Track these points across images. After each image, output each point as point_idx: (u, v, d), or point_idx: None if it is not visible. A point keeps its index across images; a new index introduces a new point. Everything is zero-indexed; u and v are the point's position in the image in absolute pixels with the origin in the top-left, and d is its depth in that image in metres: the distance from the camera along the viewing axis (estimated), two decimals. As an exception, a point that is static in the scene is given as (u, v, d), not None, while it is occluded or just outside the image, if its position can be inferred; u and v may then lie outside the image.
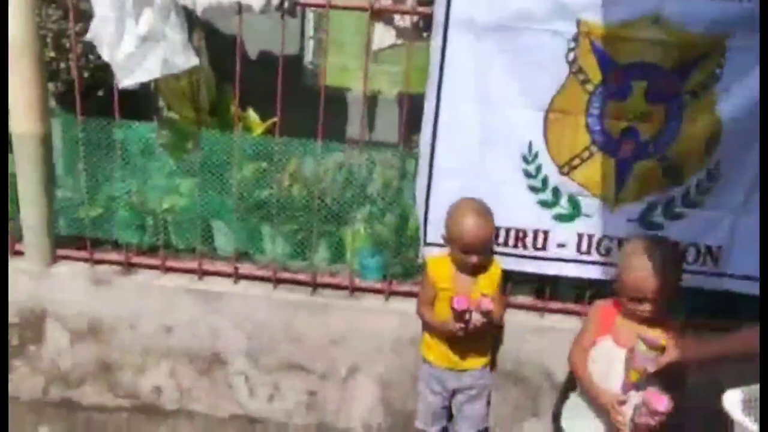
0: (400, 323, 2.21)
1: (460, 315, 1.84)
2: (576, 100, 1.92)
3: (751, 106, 1.85)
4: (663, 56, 1.84)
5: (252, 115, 2.42)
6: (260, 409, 2.37)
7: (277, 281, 2.31)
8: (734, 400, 1.15)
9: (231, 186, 2.24)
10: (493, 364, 2.18)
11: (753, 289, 2.00)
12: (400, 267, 2.32)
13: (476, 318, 1.89)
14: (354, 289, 2.29)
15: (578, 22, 1.84)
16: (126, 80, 1.87)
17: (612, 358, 1.67)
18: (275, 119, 2.24)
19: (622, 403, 1.64)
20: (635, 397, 1.64)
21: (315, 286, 2.30)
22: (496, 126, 1.97)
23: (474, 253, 1.90)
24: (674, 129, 1.91)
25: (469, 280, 1.97)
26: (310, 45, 2.57)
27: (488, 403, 2.15)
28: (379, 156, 2.34)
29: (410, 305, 2.12)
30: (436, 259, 2.04)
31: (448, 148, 2.01)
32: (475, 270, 1.97)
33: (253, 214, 2.34)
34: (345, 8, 2.07)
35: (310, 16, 2.57)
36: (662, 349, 1.57)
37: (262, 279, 2.32)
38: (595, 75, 1.88)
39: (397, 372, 2.27)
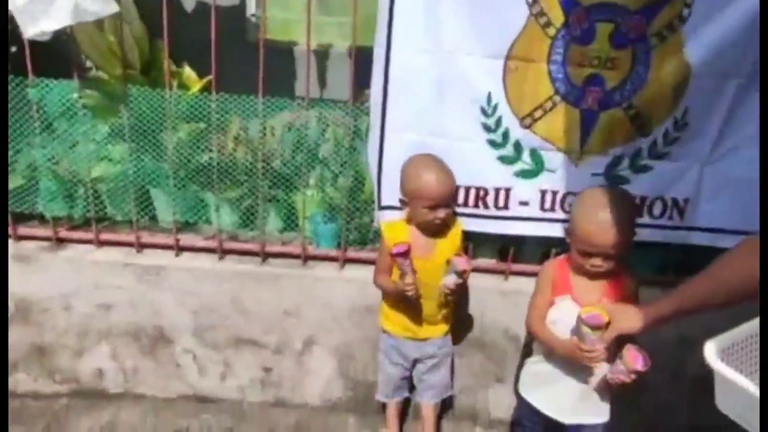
0: (357, 292, 2.08)
1: (402, 264, 1.71)
2: (537, 45, 1.77)
3: (721, 47, 1.74)
4: (628, -5, 1.70)
5: (188, 71, 2.20)
6: (212, 387, 2.23)
7: (223, 252, 2.14)
8: (712, 349, 1.05)
9: (167, 150, 2.04)
10: (455, 331, 2.08)
11: (720, 241, 1.93)
12: (356, 233, 2.18)
13: (449, 281, 1.76)
14: (307, 258, 2.14)
15: (538, -42, 1.68)
16: (30, 29, 1.63)
17: (572, 314, 1.57)
18: (209, 78, 2.04)
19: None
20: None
21: (264, 255, 2.14)
22: (451, 76, 1.81)
23: (440, 207, 1.76)
24: (641, 75, 1.78)
25: (429, 244, 1.84)
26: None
27: (451, 370, 2.06)
28: (330, 114, 2.16)
29: (367, 273, 1.98)
30: (392, 223, 1.90)
31: (401, 102, 1.85)
32: (435, 232, 1.84)
33: (194, 181, 2.15)
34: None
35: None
36: (606, 325, 1.47)
37: (206, 250, 2.15)
38: (558, 17, 1.73)
39: (355, 343, 2.15)
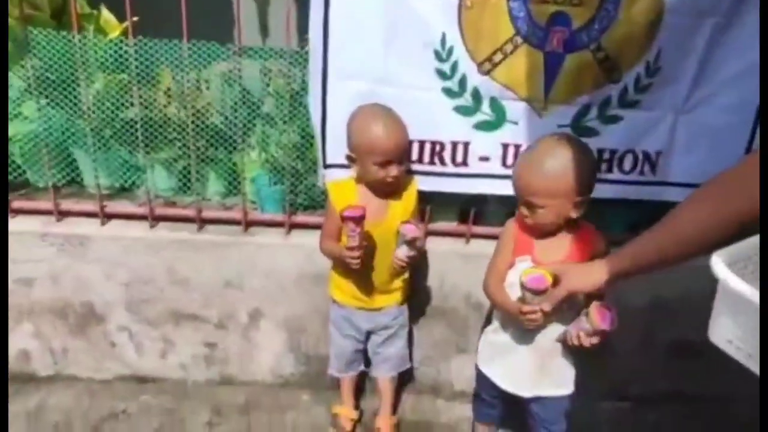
0: (305, 259, 1.90)
1: (351, 231, 1.52)
2: (495, -22, 1.57)
3: (698, -21, 1.57)
4: None
5: (106, 14, 1.94)
6: (152, 366, 2.06)
7: (156, 219, 1.94)
8: (719, 261, 0.90)
9: (82, 105, 1.81)
10: (413, 299, 1.93)
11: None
12: (305, 196, 1.99)
13: (401, 252, 1.59)
14: (249, 224, 1.95)
15: None
16: None
17: None
18: (135, 18, 1.80)
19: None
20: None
21: (202, 222, 1.94)
22: (400, 15, 1.60)
23: (392, 164, 1.57)
24: (611, 13, 1.60)
25: (381, 205, 1.66)
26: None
27: (409, 341, 1.91)
28: (273, 64, 1.94)
29: (316, 239, 1.78)
30: (339, 183, 1.71)
31: (343, 46, 1.64)
32: (388, 192, 1.66)
33: (120, 140, 1.93)
34: None
35: None
36: (553, 286, 1.33)
37: (136, 217, 1.95)
38: (513, -56, 1.53)
39: (305, 314, 1.98)
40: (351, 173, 1.68)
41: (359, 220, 1.51)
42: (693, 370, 2.09)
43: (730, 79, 1.70)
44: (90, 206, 1.92)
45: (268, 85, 1.96)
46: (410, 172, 1.76)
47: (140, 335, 2.01)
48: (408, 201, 1.70)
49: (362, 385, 2.03)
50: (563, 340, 1.44)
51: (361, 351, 1.86)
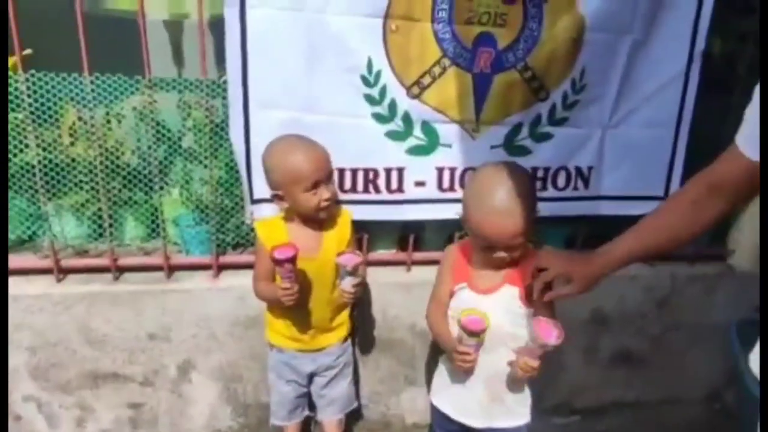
0: (237, 302, 1.76)
1: (283, 272, 1.41)
2: (419, 1, 1.53)
3: (614, 3, 1.60)
4: (514, -60, 1.51)
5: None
6: (68, 437, 1.83)
7: (63, 272, 1.73)
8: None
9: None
10: (356, 334, 1.83)
11: (628, 209, 1.83)
12: (233, 234, 1.85)
13: (347, 285, 1.49)
14: (172, 269, 1.78)
15: None
16: None
17: (470, 306, 1.36)
18: (28, 51, 1.61)
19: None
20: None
21: (118, 270, 1.76)
22: (322, 40, 1.53)
23: (321, 185, 1.47)
24: (534, 32, 1.60)
25: (314, 238, 1.55)
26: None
27: (355, 379, 1.80)
28: (190, 96, 1.79)
29: (248, 280, 1.64)
30: (267, 221, 1.59)
31: (263, 74, 1.54)
32: (321, 223, 1.56)
33: (18, 188, 1.71)
34: None
35: None
36: (484, 331, 1.28)
37: (41, 272, 1.73)
38: (438, -34, 1.50)
39: (240, 361, 1.83)
40: (278, 211, 1.57)
41: (292, 261, 1.40)
42: (636, 378, 2.12)
43: (650, 95, 1.75)
44: (-17, 263, 1.69)
45: (185, 119, 1.82)
46: (340, 203, 1.67)
47: (51, 404, 1.78)
48: (342, 231, 1.60)
49: (307, 430, 1.89)
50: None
51: (304, 396, 1.73)
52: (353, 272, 1.49)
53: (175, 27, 1.96)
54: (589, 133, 1.77)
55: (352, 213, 1.63)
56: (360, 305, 1.81)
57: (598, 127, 1.77)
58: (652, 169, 1.83)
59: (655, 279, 2.00)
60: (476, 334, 1.28)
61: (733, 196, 1.06)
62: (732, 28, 1.80)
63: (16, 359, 1.71)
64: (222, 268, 1.80)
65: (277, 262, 1.40)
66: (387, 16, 1.53)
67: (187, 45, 2.03)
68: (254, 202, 1.66)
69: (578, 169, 1.80)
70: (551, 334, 1.27)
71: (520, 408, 1.46)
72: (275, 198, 1.50)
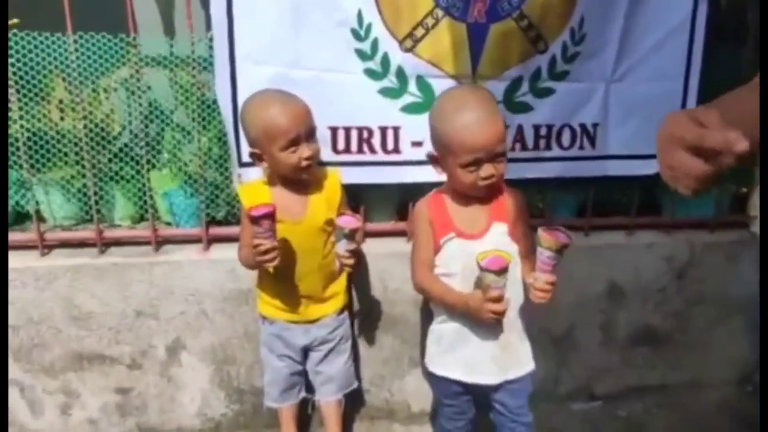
0: (227, 275, 1.67)
1: (262, 229, 1.32)
2: (408, -52, 1.49)
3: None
4: None
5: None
6: (52, 426, 1.72)
7: (47, 247, 1.67)
8: None
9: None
10: (355, 310, 1.73)
11: (638, 169, 1.74)
12: (226, 206, 1.78)
13: (341, 248, 1.40)
14: (160, 243, 1.71)
15: None
16: None
17: (466, 255, 1.27)
18: (15, 21, 1.59)
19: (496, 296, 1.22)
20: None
21: (104, 245, 1.68)
22: (310, -9, 1.49)
23: (300, 143, 1.37)
24: (529, -21, 1.54)
25: (299, 202, 1.47)
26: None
27: (354, 358, 1.69)
28: (180, 68, 1.75)
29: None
30: (250, 185, 1.52)
31: (250, 27, 1.49)
32: (305, 186, 1.48)
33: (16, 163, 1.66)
34: None
35: None
36: (508, 266, 1.20)
37: (25, 248, 1.67)
38: None
39: (233, 340, 1.73)
40: (261, 173, 1.50)
41: (268, 217, 1.31)
42: (659, 359, 1.97)
43: (654, 45, 1.67)
44: (-35, 237, 1.63)
45: (176, 91, 1.78)
46: (331, 164, 1.59)
47: (35, 389, 1.68)
48: (331, 194, 1.52)
49: (306, 416, 1.76)
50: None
51: (299, 374, 1.62)
52: (350, 236, 1.40)
53: (166, 3, 1.96)
54: (592, 87, 1.69)
55: (340, 173, 1.55)
56: (357, 277, 1.71)
57: (601, 81, 1.69)
58: (661, 125, 1.74)
59: (673, 248, 1.87)
60: (503, 271, 1.19)
61: None
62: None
63: (-4, 338, 1.62)
64: (213, 241, 1.73)
65: (254, 220, 1.32)
66: (376, -34, 1.49)
67: (179, 20, 2.01)
68: (242, 165, 1.59)
69: (583, 127, 1.71)
70: (559, 235, 1.19)
71: (527, 353, 1.36)
72: (253, 157, 1.43)
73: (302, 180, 1.46)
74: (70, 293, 1.63)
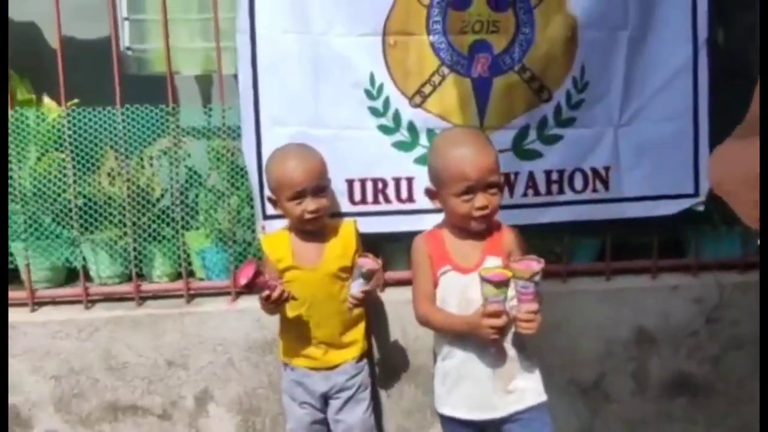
0: (253, 325, 1.74)
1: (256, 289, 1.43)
2: (413, 16, 1.64)
3: (604, 1, 1.65)
4: (499, -45, 1.62)
5: (48, 101, 1.96)
6: (86, 477, 1.77)
7: (91, 302, 1.80)
8: None
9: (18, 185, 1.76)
10: (376, 358, 1.75)
11: (656, 209, 1.76)
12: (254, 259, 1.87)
13: (355, 288, 1.47)
14: (192, 295, 1.81)
15: (396, -74, 1.59)
16: None
17: (461, 288, 1.31)
18: (75, 101, 1.82)
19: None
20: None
21: (141, 299, 1.80)
22: (326, 59, 1.65)
23: (306, 197, 1.47)
24: (528, 35, 1.65)
25: (315, 249, 1.56)
26: (126, 27, 2.21)
27: (375, 408, 1.68)
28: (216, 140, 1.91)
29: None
30: (272, 235, 1.63)
31: (274, 92, 1.65)
32: (320, 234, 1.57)
33: (60, 222, 1.84)
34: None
35: (123, -5, 2.22)
36: (509, 280, 1.24)
37: (72, 302, 1.80)
38: (429, -16, 1.62)
39: (259, 390, 1.77)
40: (284, 224, 1.61)
41: (254, 278, 1.39)
42: (698, 409, 1.86)
43: (658, 89, 1.73)
44: (19, 293, 1.78)
45: (211, 159, 1.94)
46: (352, 215, 1.68)
47: (72, 439, 1.76)
48: (346, 242, 1.59)
49: (330, 468, 1.75)
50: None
51: (321, 422, 1.63)
52: (367, 276, 1.46)
53: (205, 80, 2.18)
54: (600, 132, 1.74)
55: (356, 223, 1.64)
56: (377, 325, 1.74)
57: (609, 126, 1.74)
58: (676, 165, 1.76)
59: (701, 289, 1.82)
60: (502, 284, 1.23)
61: None
62: (737, 20, 1.79)
63: (42, 389, 1.73)
64: (241, 293, 1.81)
65: (245, 288, 1.42)
66: (385, 33, 1.64)
67: (216, 96, 2.23)
68: (266, 218, 1.70)
69: (594, 170, 1.75)
70: (531, 263, 1.24)
71: (535, 384, 1.33)
72: (270, 201, 1.57)
73: (316, 229, 1.55)
74: (109, 344, 1.73)
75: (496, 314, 1.22)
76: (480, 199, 1.31)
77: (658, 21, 1.69)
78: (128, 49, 2.24)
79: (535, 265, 1.24)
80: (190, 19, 2.22)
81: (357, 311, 1.58)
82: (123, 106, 1.74)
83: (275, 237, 1.61)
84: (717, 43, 1.75)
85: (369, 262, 1.47)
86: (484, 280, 1.22)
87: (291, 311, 1.55)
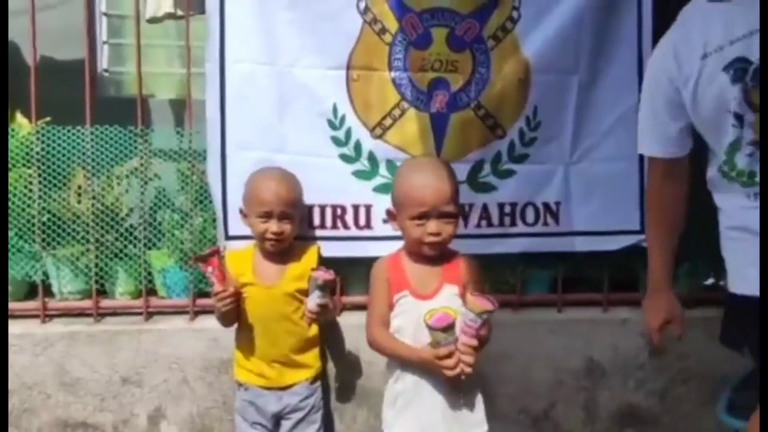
0: (209, 344, 1.77)
1: (209, 274, 1.49)
2: (376, 53, 1.73)
3: (554, 45, 1.76)
4: (457, 0, 1.73)
5: (20, 118, 2.01)
6: (31, 495, 1.75)
7: (49, 316, 1.81)
8: None
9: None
10: (329, 380, 1.77)
11: (603, 245, 1.84)
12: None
13: (312, 302, 1.52)
14: (151, 312, 1.83)
15: (361, -32, 1.70)
16: None
17: (417, 314, 1.34)
18: (47, 119, 1.87)
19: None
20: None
21: (100, 315, 1.82)
22: (292, 90, 1.73)
23: (273, 217, 1.54)
24: (484, 75, 1.76)
25: (275, 270, 1.61)
26: (104, 51, 2.28)
27: (323, 429, 1.70)
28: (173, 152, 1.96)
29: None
30: (237, 251, 1.68)
31: (240, 118, 1.72)
32: (282, 255, 1.62)
33: (24, 237, 1.86)
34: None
35: (104, 20, 2.30)
36: (454, 323, 1.28)
37: (28, 316, 1.81)
38: (392, 24, 1.72)
39: (212, 410, 1.78)
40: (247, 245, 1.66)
41: (208, 258, 1.47)
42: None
43: (606, 130, 1.83)
44: (-24, 306, 1.79)
45: (180, 177, 1.98)
46: (308, 239, 1.73)
47: (19, 455, 1.75)
48: (306, 264, 1.64)
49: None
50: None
51: (271, 443, 1.64)
52: (323, 288, 1.52)
53: (179, 104, 2.25)
54: (551, 169, 1.83)
55: (320, 249, 1.69)
56: (332, 347, 1.78)
57: (560, 163, 1.83)
58: (622, 203, 1.84)
59: (648, 323, 1.88)
60: (449, 328, 1.26)
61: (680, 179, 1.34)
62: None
63: (-10, 402, 1.72)
64: (201, 312, 1.84)
65: (195, 260, 1.51)
66: (349, 67, 1.73)
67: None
68: (228, 238, 1.75)
69: (546, 205, 1.83)
70: (486, 302, 1.27)
71: (479, 413, 1.37)
72: (240, 212, 1.63)
73: (276, 251, 1.60)
74: (63, 359, 1.74)
75: (448, 356, 1.27)
76: (432, 226, 1.37)
77: (607, 68, 1.80)
78: (105, 71, 2.31)
79: (489, 305, 1.28)
80: (169, 45, 2.30)
81: (312, 332, 1.63)
82: (93, 125, 1.79)
83: (239, 253, 1.66)
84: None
85: (323, 274, 1.52)
86: (432, 329, 1.26)
87: (246, 328, 1.59)
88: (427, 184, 1.38)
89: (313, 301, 1.52)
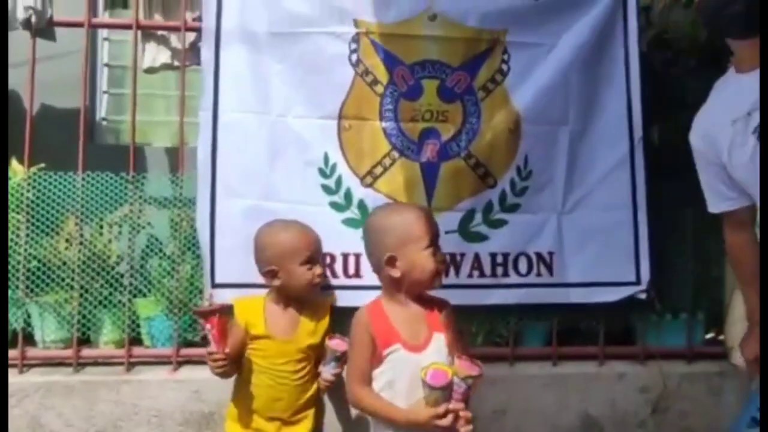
0: (191, 396, 1.70)
1: (208, 332, 1.41)
2: (368, 103, 1.76)
3: (543, 98, 1.79)
4: (448, 53, 1.77)
5: (15, 164, 2.02)
6: None
7: (27, 365, 1.75)
8: None
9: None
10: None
11: (597, 296, 1.80)
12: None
13: (328, 371, 1.49)
14: (134, 362, 1.78)
15: (355, 23, 1.74)
16: None
17: (411, 367, 1.28)
18: (42, 165, 1.88)
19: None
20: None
21: (80, 365, 1.76)
22: (284, 138, 1.74)
23: (316, 262, 1.55)
24: (474, 125, 1.78)
25: (291, 322, 1.55)
26: (104, 100, 2.33)
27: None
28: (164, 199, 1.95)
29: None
30: (247, 300, 1.59)
31: (232, 165, 1.72)
32: (300, 307, 1.57)
33: (10, 283, 1.83)
34: (106, 26, 1.86)
35: (105, 70, 2.35)
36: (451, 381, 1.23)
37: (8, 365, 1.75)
38: (383, 75, 1.76)
39: (191, 469, 1.69)
40: (236, 297, 1.61)
41: (208, 315, 1.41)
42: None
43: (599, 180, 1.83)
44: (-46, 354, 1.74)
45: (170, 224, 1.97)
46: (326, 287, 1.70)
47: None
48: (320, 317, 1.59)
49: None
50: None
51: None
52: (341, 358, 1.48)
53: (176, 152, 2.27)
54: (544, 218, 1.81)
55: (334, 299, 1.68)
56: (334, 397, 1.71)
57: (553, 213, 1.82)
58: (618, 253, 1.82)
59: (648, 378, 1.82)
60: (447, 387, 1.22)
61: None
62: (671, 120, 1.90)
63: (-41, 457, 1.64)
64: (185, 363, 1.78)
65: (199, 315, 1.43)
66: (341, 117, 1.75)
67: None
68: (215, 286, 1.71)
69: (539, 255, 1.80)
70: (473, 367, 1.23)
71: None
72: (267, 275, 1.54)
73: (308, 297, 1.57)
74: (39, 411, 1.67)
75: (445, 414, 1.22)
76: (440, 253, 1.36)
77: (597, 119, 1.82)
78: (104, 119, 2.35)
79: (475, 370, 1.25)
80: (168, 95, 2.35)
81: (314, 389, 1.56)
82: (84, 172, 1.80)
83: (250, 302, 1.59)
84: (652, 141, 1.87)
85: (341, 344, 1.48)
86: (434, 388, 1.22)
87: (249, 381, 1.52)
88: (420, 215, 1.38)
89: (330, 371, 1.49)
